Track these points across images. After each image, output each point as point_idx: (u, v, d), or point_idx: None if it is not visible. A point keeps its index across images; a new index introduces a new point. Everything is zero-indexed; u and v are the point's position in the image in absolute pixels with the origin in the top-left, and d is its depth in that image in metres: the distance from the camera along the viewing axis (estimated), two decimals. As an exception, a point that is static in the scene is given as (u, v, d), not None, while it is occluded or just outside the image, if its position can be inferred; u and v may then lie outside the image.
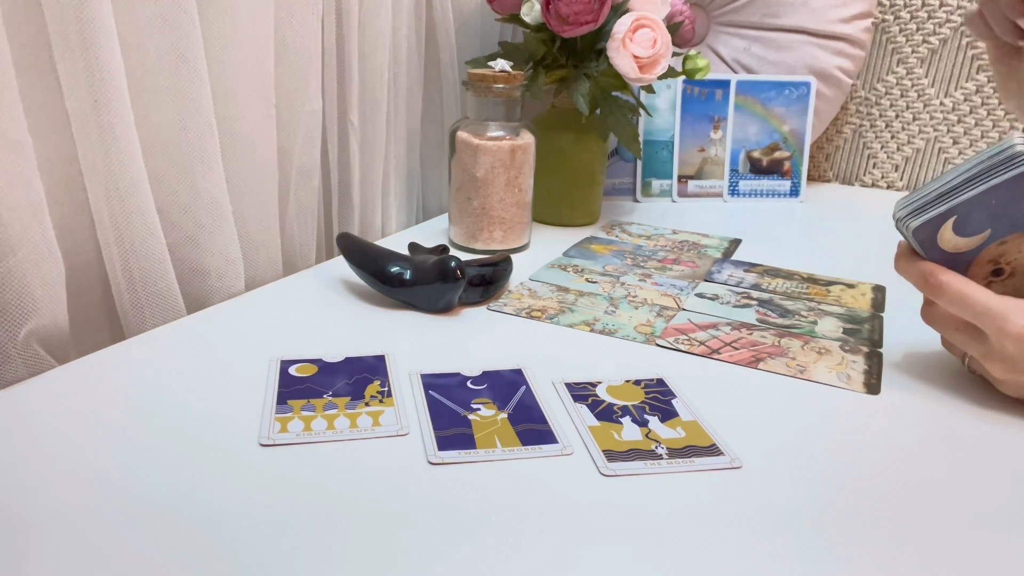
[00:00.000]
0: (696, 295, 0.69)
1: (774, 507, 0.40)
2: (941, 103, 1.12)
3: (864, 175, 1.20)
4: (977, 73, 1.09)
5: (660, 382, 0.52)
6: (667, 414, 0.48)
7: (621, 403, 0.49)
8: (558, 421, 0.47)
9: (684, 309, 0.66)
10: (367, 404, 0.48)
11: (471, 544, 0.36)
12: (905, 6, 1.10)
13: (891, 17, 1.12)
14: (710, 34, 1.11)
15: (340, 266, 0.69)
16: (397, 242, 0.72)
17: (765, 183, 1.07)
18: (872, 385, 0.53)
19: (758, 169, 1.07)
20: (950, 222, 0.49)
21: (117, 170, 0.54)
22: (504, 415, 0.47)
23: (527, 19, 0.81)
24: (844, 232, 0.93)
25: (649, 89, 0.89)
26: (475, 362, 0.54)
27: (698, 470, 0.43)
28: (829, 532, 0.38)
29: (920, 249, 0.51)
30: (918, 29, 1.11)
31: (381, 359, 0.54)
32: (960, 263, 0.50)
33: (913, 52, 1.12)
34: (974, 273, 0.51)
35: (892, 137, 1.16)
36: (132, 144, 0.54)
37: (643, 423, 0.47)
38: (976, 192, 0.48)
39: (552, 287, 0.70)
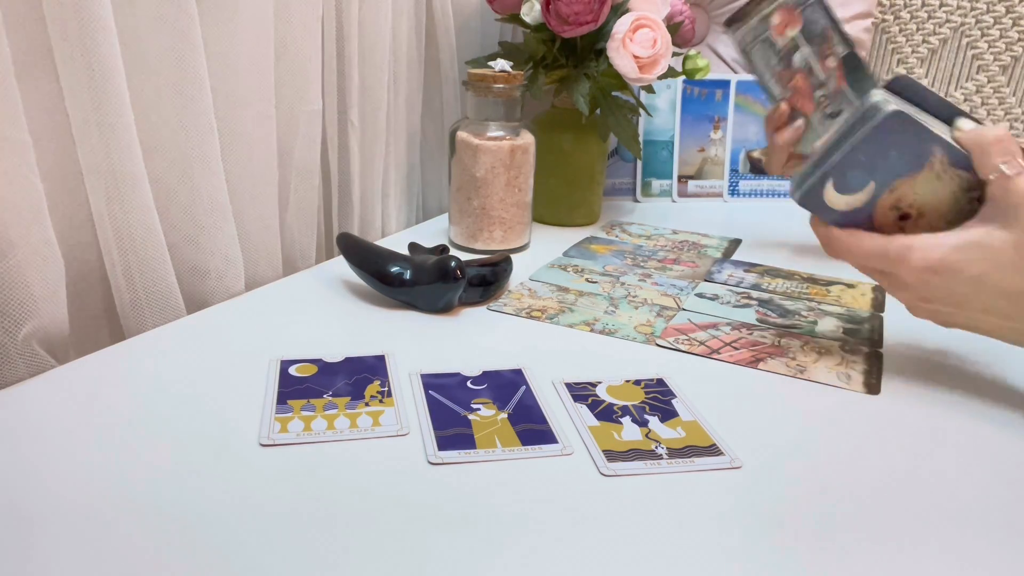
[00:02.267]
0: (696, 295, 0.69)
1: (774, 507, 0.40)
2: (941, 103, 1.12)
3: (864, 175, 1.20)
4: (977, 73, 1.09)
5: (660, 382, 0.52)
6: (667, 414, 0.48)
7: (621, 403, 0.49)
8: (558, 421, 0.47)
9: (684, 309, 0.66)
10: (367, 404, 0.48)
11: (471, 544, 0.36)
12: (905, 6, 1.10)
13: (891, 17, 1.12)
14: (710, 34, 1.11)
15: (340, 266, 0.69)
16: (397, 242, 0.72)
17: (765, 183, 1.07)
18: (872, 385, 0.53)
19: (758, 169, 1.07)
20: (830, 184, 0.51)
21: (117, 170, 0.54)
22: (504, 415, 0.47)
23: (527, 19, 0.81)
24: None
25: (649, 89, 0.89)
26: (475, 362, 0.54)
27: (698, 470, 0.43)
28: (829, 532, 0.38)
29: (819, 215, 0.53)
30: (918, 29, 1.11)
31: (381, 359, 0.54)
32: (861, 217, 0.52)
33: (913, 52, 1.12)
34: (881, 223, 0.52)
35: (892, 137, 1.16)
36: (132, 144, 0.54)
37: (643, 423, 0.47)
38: (842, 153, 0.50)
39: (552, 287, 0.70)
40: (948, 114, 0.51)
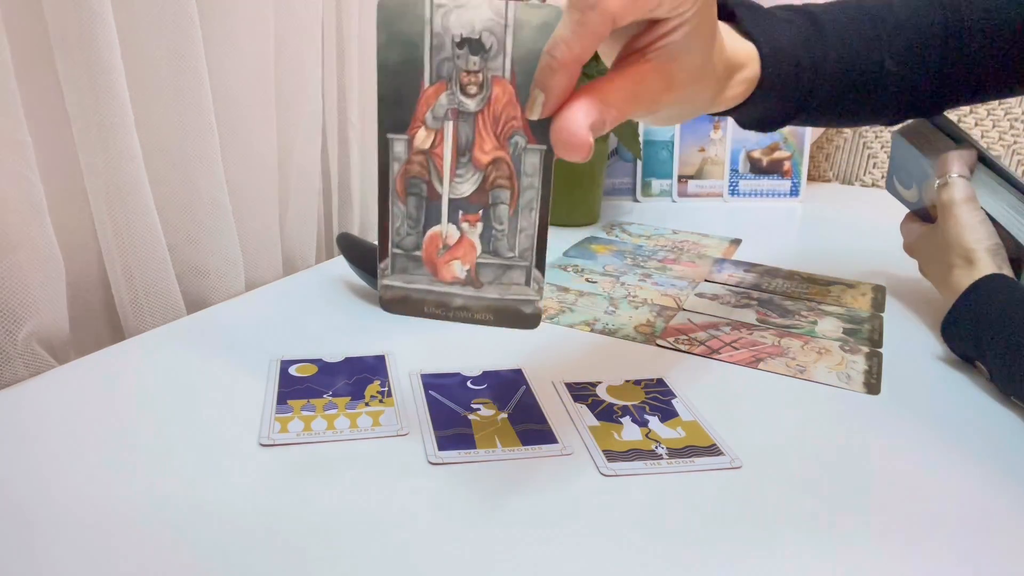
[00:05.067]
0: (696, 295, 0.69)
1: (774, 507, 0.40)
2: (941, 103, 1.12)
3: (864, 175, 1.20)
4: (977, 73, 1.09)
5: (660, 382, 0.52)
6: (667, 414, 0.48)
7: (621, 403, 0.49)
8: (558, 421, 0.47)
9: (684, 309, 0.66)
10: (367, 404, 0.48)
11: (471, 544, 0.36)
12: (905, 6, 1.10)
13: (891, 17, 1.11)
14: (710, 34, 1.11)
15: (340, 266, 0.69)
16: (397, 242, 0.72)
17: (765, 183, 1.07)
18: (872, 385, 0.53)
19: (758, 169, 1.07)
20: (896, 180, 0.72)
21: (117, 170, 0.54)
22: (504, 415, 0.47)
23: (527, 19, 0.81)
24: (844, 232, 0.93)
25: (649, 89, 0.89)
26: (475, 362, 0.54)
27: (698, 470, 0.43)
28: (829, 532, 0.38)
29: (902, 203, 0.73)
30: (918, 29, 1.10)
31: (381, 359, 0.54)
32: (922, 210, 0.69)
33: (913, 52, 1.12)
34: (934, 216, 0.65)
35: (892, 137, 1.16)
36: (132, 144, 0.54)
37: (643, 423, 0.47)
38: (892, 159, 0.73)
39: (552, 287, 0.70)
40: (960, 141, 0.65)
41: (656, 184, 1.05)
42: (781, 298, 0.70)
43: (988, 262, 0.57)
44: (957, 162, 0.62)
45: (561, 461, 0.43)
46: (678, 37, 0.37)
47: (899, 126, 0.67)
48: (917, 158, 0.67)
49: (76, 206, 0.56)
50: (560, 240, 0.84)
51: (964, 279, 0.57)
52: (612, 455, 0.43)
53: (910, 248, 0.69)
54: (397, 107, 0.38)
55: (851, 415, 0.50)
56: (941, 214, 0.62)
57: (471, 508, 0.39)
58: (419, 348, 0.56)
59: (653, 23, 0.37)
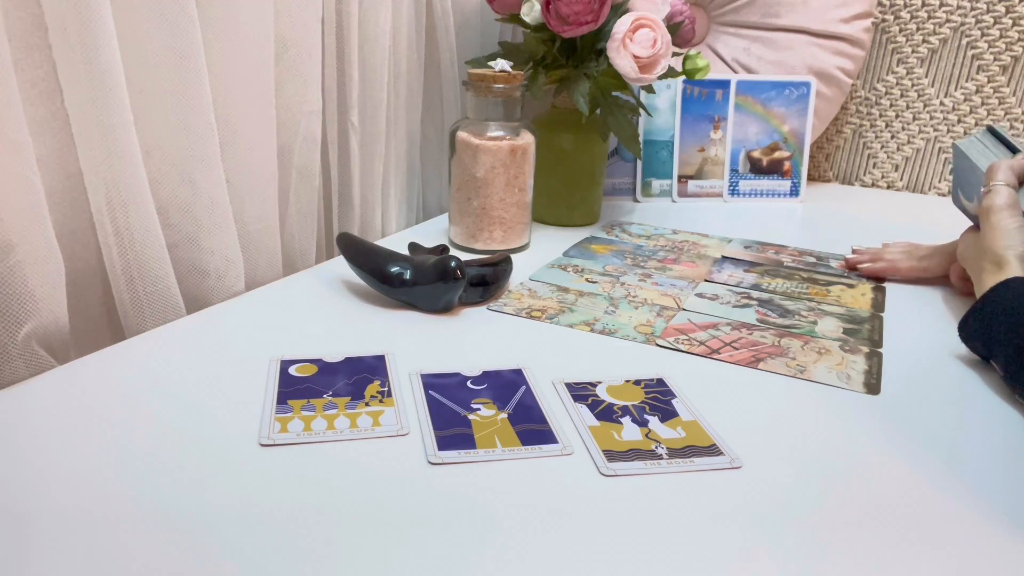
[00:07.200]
0: (696, 295, 0.69)
1: (774, 507, 0.40)
2: (941, 103, 1.12)
3: (864, 175, 1.20)
4: (977, 73, 1.09)
5: (660, 382, 0.52)
6: (667, 414, 0.48)
7: (621, 403, 0.49)
8: (558, 421, 0.47)
9: (684, 309, 0.66)
10: (367, 404, 0.48)
11: (471, 544, 0.36)
12: (905, 6, 1.10)
13: (891, 17, 1.12)
14: (710, 34, 1.11)
15: (340, 266, 0.69)
16: (397, 242, 0.72)
17: (765, 183, 1.07)
18: (872, 385, 0.53)
19: (758, 169, 1.07)
20: (960, 193, 0.72)
21: (117, 170, 0.54)
22: (504, 415, 0.47)
23: (527, 19, 0.81)
24: (844, 232, 0.93)
25: (649, 89, 0.89)
26: (475, 362, 0.54)
27: (698, 470, 0.43)
28: (829, 532, 0.38)
29: (967, 216, 0.72)
30: (918, 29, 1.11)
31: (381, 359, 0.54)
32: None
33: (913, 52, 1.12)
34: None
35: (892, 137, 1.16)
36: (132, 144, 0.54)
37: (643, 423, 0.47)
38: (953, 172, 0.72)
39: (552, 287, 0.70)
40: (1017, 152, 0.66)
41: (656, 184, 1.05)
42: (781, 298, 0.70)
43: (1016, 267, 0.57)
44: (1005, 170, 0.63)
45: (561, 461, 0.43)
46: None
47: (960, 139, 0.67)
48: (974, 169, 0.67)
49: (76, 206, 0.56)
50: (560, 240, 0.84)
51: (989, 283, 0.57)
52: (612, 455, 0.43)
53: (961, 257, 0.68)
54: None
55: (851, 415, 0.50)
56: (981, 220, 0.63)
57: (471, 508, 0.39)
58: (419, 348, 0.56)
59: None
